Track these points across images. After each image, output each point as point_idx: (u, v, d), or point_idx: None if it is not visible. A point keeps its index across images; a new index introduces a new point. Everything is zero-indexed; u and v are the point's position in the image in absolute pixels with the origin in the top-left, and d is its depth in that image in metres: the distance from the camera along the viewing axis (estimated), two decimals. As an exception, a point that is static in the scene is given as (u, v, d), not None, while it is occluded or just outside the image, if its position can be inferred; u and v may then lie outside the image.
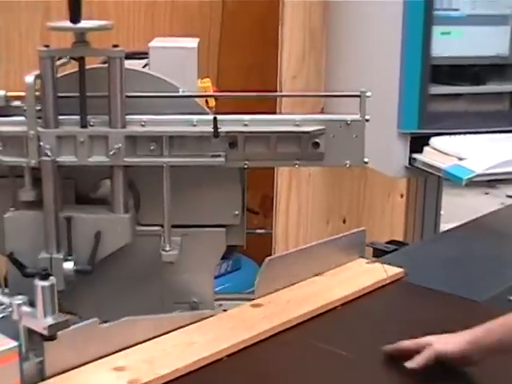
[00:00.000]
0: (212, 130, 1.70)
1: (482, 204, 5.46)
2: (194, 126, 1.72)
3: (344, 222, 3.12)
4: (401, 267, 2.02)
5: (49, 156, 1.68)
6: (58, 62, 1.73)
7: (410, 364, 1.54)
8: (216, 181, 1.79)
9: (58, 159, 1.69)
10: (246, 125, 1.74)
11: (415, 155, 2.53)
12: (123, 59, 1.69)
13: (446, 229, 2.55)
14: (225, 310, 1.82)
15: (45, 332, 1.43)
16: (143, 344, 1.62)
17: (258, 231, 3.08)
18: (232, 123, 1.73)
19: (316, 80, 3.00)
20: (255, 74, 3.19)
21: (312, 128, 1.74)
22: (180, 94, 1.76)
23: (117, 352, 1.58)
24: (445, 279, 2.02)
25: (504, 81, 2.61)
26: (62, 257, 1.71)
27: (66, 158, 1.71)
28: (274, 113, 2.54)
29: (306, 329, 1.74)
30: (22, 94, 1.69)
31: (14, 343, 1.44)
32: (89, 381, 1.51)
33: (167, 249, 1.75)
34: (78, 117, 1.71)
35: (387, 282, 1.98)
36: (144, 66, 1.85)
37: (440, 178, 2.83)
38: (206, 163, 1.74)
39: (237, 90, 1.87)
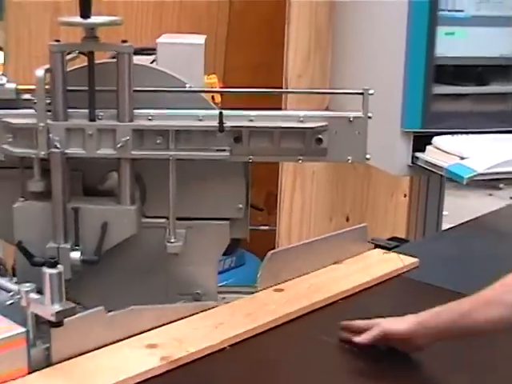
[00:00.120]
0: (217, 124, 1.73)
1: (485, 206, 5.48)
2: (200, 120, 1.75)
3: (347, 220, 3.14)
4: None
5: (58, 148, 1.71)
6: (68, 57, 1.75)
7: (357, 339, 1.62)
8: (221, 175, 1.82)
9: (66, 151, 1.72)
10: (250, 120, 1.76)
11: (418, 154, 2.55)
12: (132, 54, 1.72)
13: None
14: (227, 303, 1.85)
15: (52, 318, 1.46)
16: (174, 323, 1.70)
17: (262, 228, 3.10)
18: (237, 118, 1.76)
19: (321, 79, 3.02)
20: (261, 73, 3.21)
21: (315, 124, 1.76)
22: (187, 89, 1.78)
23: (122, 340, 1.62)
24: (446, 276, 2.05)
25: (507, 81, 2.62)
26: (69, 247, 1.74)
27: (75, 150, 1.73)
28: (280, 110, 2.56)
29: (309, 321, 1.78)
30: (33, 87, 1.72)
31: (22, 329, 1.48)
32: (123, 357, 1.57)
33: (172, 240, 1.78)
34: (86, 110, 1.74)
35: (404, 270, 2.06)
36: (152, 62, 1.87)
37: (442, 178, 2.86)
38: (211, 157, 1.76)
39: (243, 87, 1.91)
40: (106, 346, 1.59)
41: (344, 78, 2.93)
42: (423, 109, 2.53)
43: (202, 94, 1.82)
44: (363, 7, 2.77)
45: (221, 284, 2.05)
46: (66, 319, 1.48)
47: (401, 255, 2.12)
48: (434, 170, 2.50)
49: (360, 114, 1.78)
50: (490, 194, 6.20)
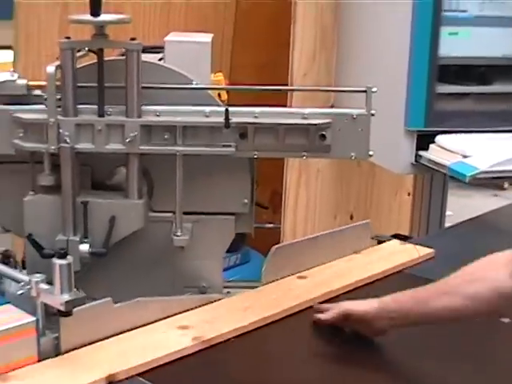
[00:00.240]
0: (223, 121, 1.76)
1: (490, 206, 5.50)
2: (207, 116, 1.78)
3: (351, 218, 3.17)
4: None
5: (68, 143, 1.74)
6: (77, 55, 1.78)
7: (319, 315, 1.72)
8: (226, 170, 1.85)
9: (76, 146, 1.75)
10: (256, 117, 1.79)
11: (421, 152, 2.57)
12: (140, 52, 1.75)
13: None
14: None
15: (62, 308, 1.49)
16: (203, 307, 1.78)
17: (267, 225, 3.13)
18: (243, 115, 1.79)
19: (326, 78, 3.05)
20: (267, 73, 3.23)
21: (319, 121, 1.79)
22: (194, 86, 1.81)
23: (129, 331, 1.65)
24: (448, 272, 2.08)
25: (510, 81, 2.64)
26: (78, 239, 1.77)
27: (84, 145, 1.76)
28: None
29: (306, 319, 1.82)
30: (43, 83, 1.75)
31: (32, 318, 1.51)
32: (156, 338, 1.63)
33: (178, 234, 1.81)
34: (96, 106, 1.77)
35: (419, 260, 2.14)
36: (160, 60, 1.90)
37: (446, 176, 2.88)
38: (217, 153, 1.80)
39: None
40: (113, 336, 1.63)
41: (349, 77, 2.95)
42: (427, 108, 2.54)
43: (209, 91, 1.85)
44: (368, 7, 2.79)
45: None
46: (74, 309, 1.51)
47: (417, 246, 2.21)
48: (437, 168, 2.52)
49: (363, 111, 1.81)
50: (495, 195, 6.21)
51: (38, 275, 1.54)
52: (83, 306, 1.55)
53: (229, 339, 1.66)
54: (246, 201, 1.88)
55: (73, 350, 1.57)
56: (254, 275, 2.12)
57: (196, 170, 1.84)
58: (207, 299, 1.82)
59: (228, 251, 2.02)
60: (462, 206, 5.00)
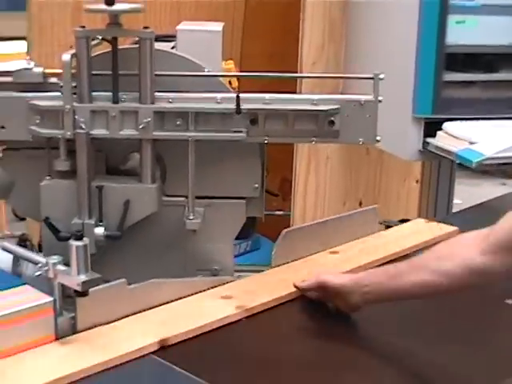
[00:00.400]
0: (235, 107, 1.80)
1: (498, 195, 5.52)
2: (218, 103, 1.81)
3: (360, 204, 3.19)
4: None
5: (83, 129, 1.78)
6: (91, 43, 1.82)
7: (298, 283, 1.79)
8: (237, 155, 1.88)
9: (91, 132, 1.79)
10: (266, 103, 1.82)
11: (428, 139, 2.60)
12: (153, 40, 1.78)
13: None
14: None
15: (78, 288, 1.53)
16: (243, 279, 1.87)
17: (277, 213, 3.16)
18: (253, 101, 1.82)
19: (335, 68, 3.07)
20: (276, 63, 3.25)
21: (328, 107, 1.83)
22: (205, 73, 1.85)
23: (144, 311, 1.69)
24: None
25: (516, 69, 2.69)
26: (93, 222, 1.80)
27: (99, 131, 1.80)
28: (294, 95, 2.62)
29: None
30: (59, 71, 1.79)
31: (50, 298, 1.54)
32: (202, 307, 1.72)
33: (191, 218, 1.85)
34: (110, 93, 1.80)
35: (444, 238, 2.14)
36: (172, 48, 1.93)
37: (453, 163, 2.91)
38: (228, 138, 1.83)
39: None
40: (127, 316, 1.67)
41: (357, 66, 2.98)
42: (434, 95, 2.57)
43: (220, 79, 1.88)
44: (376, -2, 2.83)
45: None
46: (90, 290, 1.56)
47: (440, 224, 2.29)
48: (444, 154, 2.55)
49: (371, 97, 1.84)
50: (504, 184, 6.22)
51: (55, 257, 1.57)
52: (99, 287, 1.59)
53: (270, 308, 1.75)
54: (256, 185, 1.92)
55: (89, 329, 1.60)
56: (263, 262, 2.16)
57: (208, 155, 1.87)
58: (219, 281, 1.85)
59: (238, 238, 2.07)
60: (470, 195, 5.02)
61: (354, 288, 1.66)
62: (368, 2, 2.91)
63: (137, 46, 1.81)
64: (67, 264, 1.56)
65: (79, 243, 1.54)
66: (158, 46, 1.85)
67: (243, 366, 1.55)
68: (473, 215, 2.48)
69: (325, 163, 3.12)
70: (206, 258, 1.94)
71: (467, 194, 5.01)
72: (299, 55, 3.05)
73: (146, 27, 1.79)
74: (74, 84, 1.78)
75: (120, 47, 1.82)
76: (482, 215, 2.41)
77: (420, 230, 2.28)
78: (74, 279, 1.54)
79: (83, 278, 1.54)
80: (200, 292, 1.78)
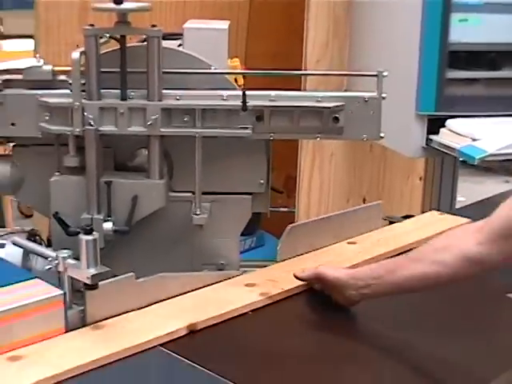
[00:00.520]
0: (241, 104, 1.82)
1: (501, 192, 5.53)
2: (225, 100, 1.84)
3: (364, 201, 3.22)
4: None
5: (92, 125, 1.80)
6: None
7: (297, 272, 1.82)
8: (243, 151, 1.91)
9: (100, 128, 1.81)
10: (272, 100, 1.85)
11: (432, 136, 2.62)
12: (161, 38, 1.81)
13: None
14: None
15: (88, 281, 1.55)
16: (265, 268, 1.93)
17: (282, 209, 3.18)
18: (259, 98, 1.84)
19: (339, 66, 3.10)
20: (280, 62, 3.26)
21: (332, 104, 1.85)
22: (212, 70, 1.87)
23: (151, 304, 1.71)
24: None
25: (519, 67, 2.70)
26: (102, 218, 1.82)
27: (107, 128, 1.82)
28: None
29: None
30: (68, 68, 1.81)
31: (60, 291, 1.56)
32: (227, 294, 1.77)
33: (198, 213, 1.88)
34: (118, 90, 1.83)
35: None
36: (178, 46, 1.96)
37: (456, 159, 2.93)
38: (234, 135, 1.85)
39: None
40: (134, 310, 1.69)
41: (361, 64, 3.00)
42: (437, 93, 2.60)
43: (226, 76, 1.91)
44: (380, -4, 2.85)
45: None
46: (100, 283, 1.58)
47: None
48: (447, 151, 2.57)
49: (375, 94, 1.86)
50: (507, 181, 6.24)
51: (64, 251, 1.60)
52: (107, 281, 1.61)
53: (293, 295, 1.81)
54: (262, 181, 1.94)
55: (99, 321, 1.62)
56: (268, 258, 2.19)
57: (214, 152, 1.89)
58: (225, 275, 1.87)
59: (243, 234, 2.08)
60: (473, 192, 5.04)
61: (350, 282, 1.67)
62: (372, 1, 2.93)
63: (144, 43, 1.83)
64: (76, 258, 1.59)
65: (89, 237, 1.57)
66: (165, 44, 1.87)
67: (248, 360, 1.57)
68: (475, 211, 2.50)
69: (329, 160, 3.14)
70: (213, 253, 1.96)
71: (470, 191, 5.03)
72: (303, 53, 3.07)
73: (153, 25, 1.81)
74: (82, 81, 1.81)
75: (128, 45, 1.85)
76: (485, 211, 2.43)
77: (435, 221, 2.32)
78: (84, 272, 1.56)
79: (93, 271, 1.56)
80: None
